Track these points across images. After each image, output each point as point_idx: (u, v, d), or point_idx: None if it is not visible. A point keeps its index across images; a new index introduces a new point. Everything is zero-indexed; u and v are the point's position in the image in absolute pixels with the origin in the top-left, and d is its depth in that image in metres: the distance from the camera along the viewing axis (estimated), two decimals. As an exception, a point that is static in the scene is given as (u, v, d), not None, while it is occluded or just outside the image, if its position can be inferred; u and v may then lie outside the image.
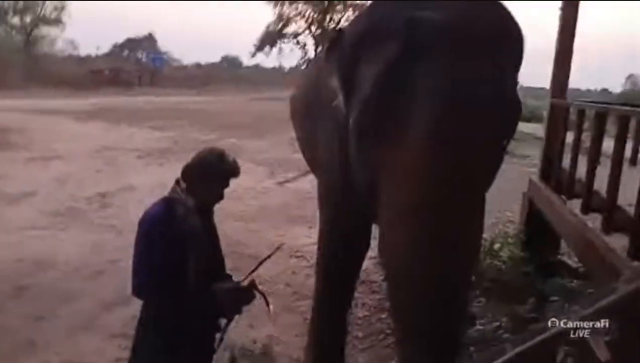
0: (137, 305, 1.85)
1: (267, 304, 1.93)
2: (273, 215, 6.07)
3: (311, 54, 33.02)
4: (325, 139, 2.40)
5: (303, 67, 31.60)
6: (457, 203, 1.45)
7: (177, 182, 1.84)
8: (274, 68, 46.50)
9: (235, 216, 5.62)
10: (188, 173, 1.84)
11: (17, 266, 4.15)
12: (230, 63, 49.80)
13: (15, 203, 6.05)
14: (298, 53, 35.10)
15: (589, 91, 38.41)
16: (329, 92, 1.92)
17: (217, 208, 1.99)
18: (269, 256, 1.98)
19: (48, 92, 25.38)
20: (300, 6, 32.98)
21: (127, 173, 7.96)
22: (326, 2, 31.98)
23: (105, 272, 4.13)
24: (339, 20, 32.45)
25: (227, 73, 42.21)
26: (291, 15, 33.34)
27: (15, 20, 36.33)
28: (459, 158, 1.46)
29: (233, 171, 1.87)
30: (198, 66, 45.52)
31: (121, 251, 4.56)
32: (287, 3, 32.75)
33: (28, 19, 36.27)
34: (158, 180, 7.40)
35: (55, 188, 6.80)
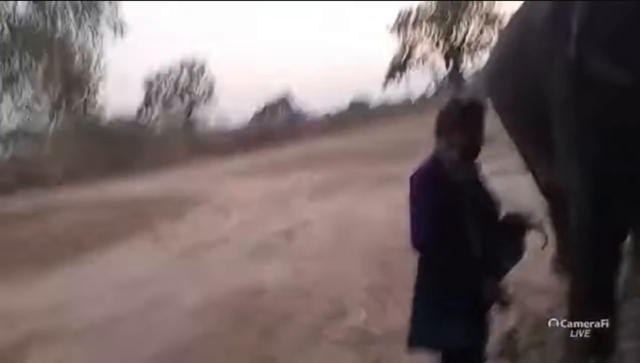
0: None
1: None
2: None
3: (441, 73, 32.55)
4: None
5: (433, 94, 31.21)
6: None
7: (438, 140, 1.85)
8: (402, 102, 46.22)
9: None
10: (440, 127, 1.84)
11: (237, 296, 4.60)
12: (357, 107, 50.88)
13: (216, 246, 6.82)
14: (426, 79, 34.57)
15: None
16: None
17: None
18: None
19: (209, 162, 28.61)
20: (424, 27, 32.63)
21: (300, 211, 8.46)
22: (450, 17, 31.42)
23: (312, 293, 4.36)
24: (465, 35, 31.73)
25: (356, 116, 43.29)
26: (416, 38, 33.13)
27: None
28: None
29: (477, 108, 1.82)
30: (327, 115, 47.51)
31: (320, 275, 4.82)
32: (410, 27, 32.55)
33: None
34: (329, 213, 7.80)
35: (244, 231, 7.53)
